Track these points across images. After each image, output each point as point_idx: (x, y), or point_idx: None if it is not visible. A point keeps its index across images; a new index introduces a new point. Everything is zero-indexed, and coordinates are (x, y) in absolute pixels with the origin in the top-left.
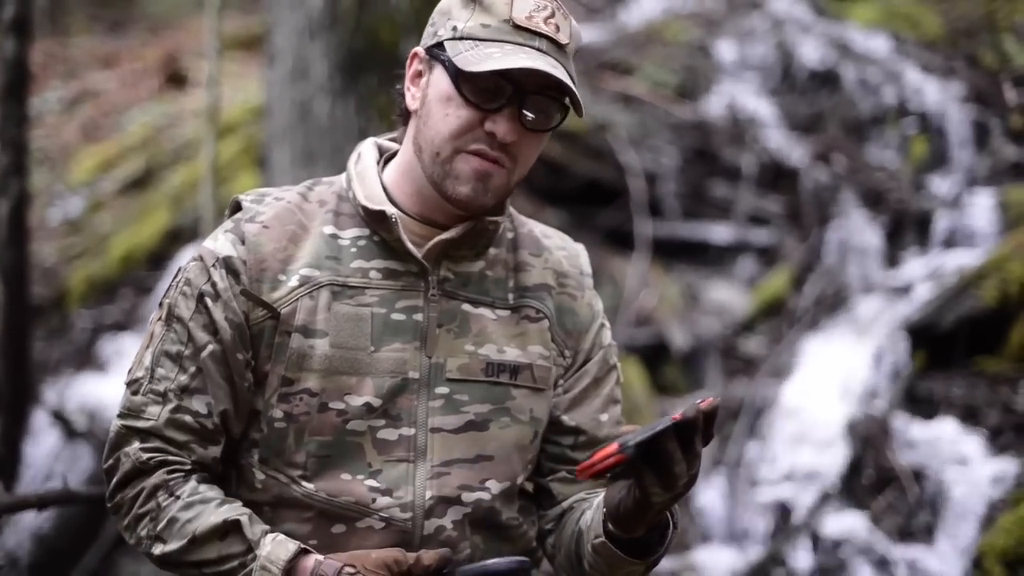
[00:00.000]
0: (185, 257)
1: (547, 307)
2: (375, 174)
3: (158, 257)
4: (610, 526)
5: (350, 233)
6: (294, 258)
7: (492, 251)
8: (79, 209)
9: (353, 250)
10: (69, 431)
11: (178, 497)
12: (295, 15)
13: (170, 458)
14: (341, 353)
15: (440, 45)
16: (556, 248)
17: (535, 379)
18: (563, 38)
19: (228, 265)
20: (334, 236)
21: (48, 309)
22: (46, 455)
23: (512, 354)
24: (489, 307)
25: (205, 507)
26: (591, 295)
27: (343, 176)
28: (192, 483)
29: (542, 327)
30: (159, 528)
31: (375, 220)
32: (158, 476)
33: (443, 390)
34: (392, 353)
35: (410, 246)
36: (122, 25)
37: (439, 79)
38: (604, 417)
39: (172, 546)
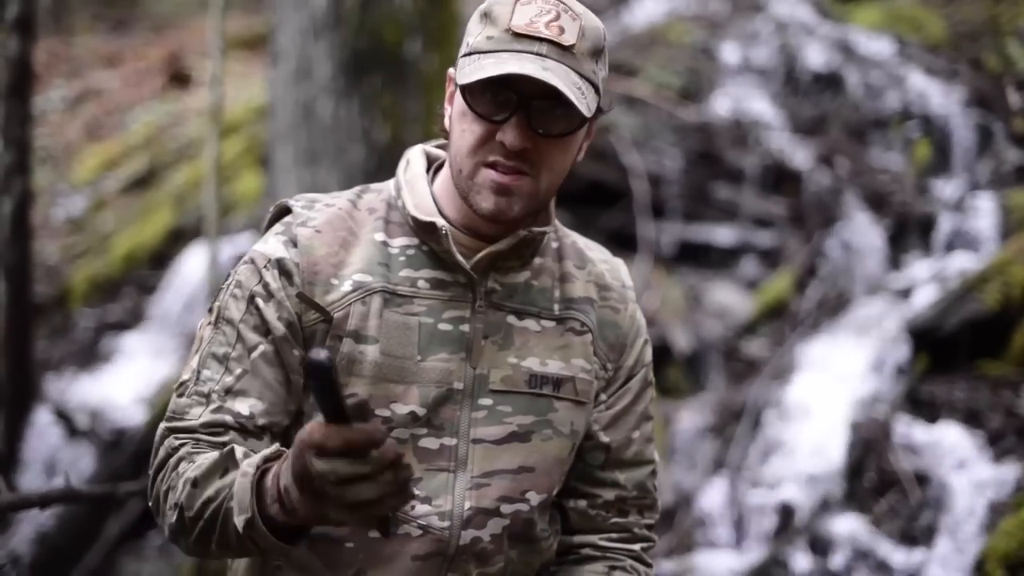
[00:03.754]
0: (188, 256)
1: (590, 320)
2: (425, 183)
3: (161, 256)
4: None
5: (399, 242)
6: (346, 263)
7: (538, 261)
8: (82, 208)
9: (402, 259)
10: (71, 429)
11: (195, 462)
12: (299, 15)
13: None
14: (390, 361)
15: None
16: (599, 261)
17: (577, 392)
18: (568, 39)
19: (281, 266)
20: (384, 244)
21: (51, 307)
22: (48, 453)
23: (555, 367)
24: (535, 318)
25: (213, 454)
26: (634, 308)
27: (391, 183)
28: (214, 450)
29: (585, 340)
30: (179, 495)
31: (425, 231)
32: (184, 450)
33: (486, 401)
34: (438, 363)
35: (460, 258)
36: (126, 24)
37: (457, 97)
38: (636, 435)
39: (182, 499)
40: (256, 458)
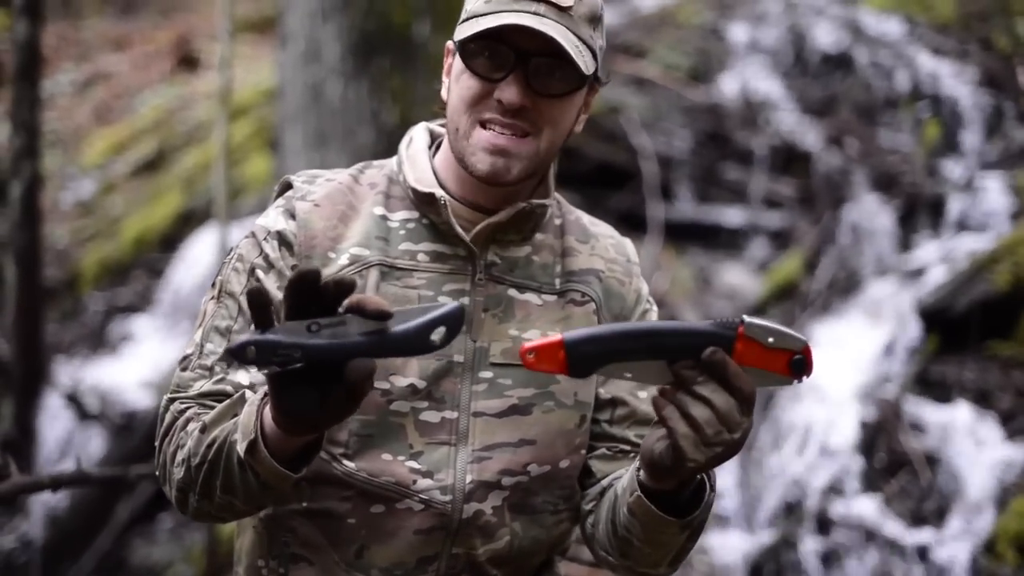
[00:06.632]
0: (198, 239)
1: (594, 291)
2: (426, 158)
3: (170, 239)
4: (642, 475)
5: (399, 215)
6: (344, 237)
7: (539, 236)
8: (91, 191)
9: (402, 232)
10: (82, 413)
11: (202, 419)
12: None
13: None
14: None
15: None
16: (604, 236)
17: None
18: (565, 1)
19: (281, 238)
20: (384, 218)
21: (61, 291)
22: (59, 436)
23: None
24: (535, 292)
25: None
26: (639, 282)
27: (394, 159)
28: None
29: (587, 310)
30: (187, 447)
31: (424, 202)
32: (191, 412)
33: (487, 374)
34: None
35: (459, 229)
36: (134, 7)
37: (456, 62)
38: (643, 393)
39: (190, 447)
40: (262, 391)
